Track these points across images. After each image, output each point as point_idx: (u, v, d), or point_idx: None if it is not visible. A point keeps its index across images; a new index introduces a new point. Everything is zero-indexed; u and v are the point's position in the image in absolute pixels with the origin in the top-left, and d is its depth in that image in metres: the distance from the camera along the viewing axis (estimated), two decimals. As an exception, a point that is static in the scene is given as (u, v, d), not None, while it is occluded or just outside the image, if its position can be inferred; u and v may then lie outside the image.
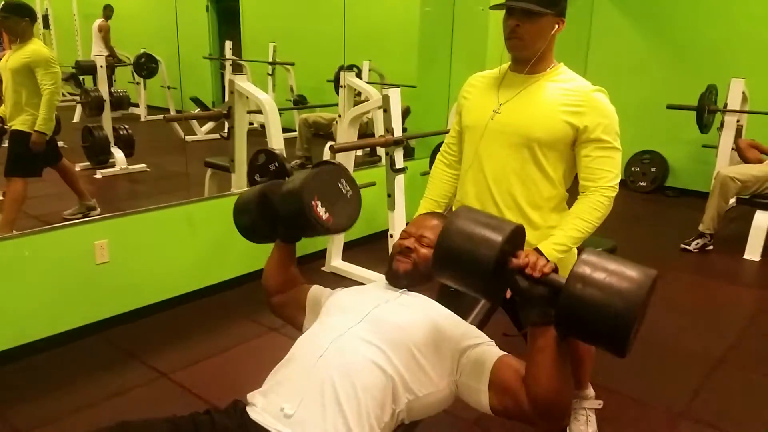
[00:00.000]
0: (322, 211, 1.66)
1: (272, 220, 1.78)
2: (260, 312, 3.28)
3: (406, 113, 4.99)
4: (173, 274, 3.34)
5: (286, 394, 1.34)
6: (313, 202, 1.64)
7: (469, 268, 1.28)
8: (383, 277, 1.69)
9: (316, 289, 1.77)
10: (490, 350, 1.43)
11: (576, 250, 1.96)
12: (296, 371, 1.39)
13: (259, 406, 1.36)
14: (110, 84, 5.46)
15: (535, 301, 1.27)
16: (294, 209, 1.67)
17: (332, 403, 1.29)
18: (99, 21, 6.32)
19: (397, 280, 1.62)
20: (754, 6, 5.51)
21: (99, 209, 4.18)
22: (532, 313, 1.28)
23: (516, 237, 1.33)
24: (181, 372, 2.71)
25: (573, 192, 1.90)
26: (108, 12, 6.35)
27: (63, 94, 5.44)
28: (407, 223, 2.04)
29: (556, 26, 1.78)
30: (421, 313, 1.50)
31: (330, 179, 1.73)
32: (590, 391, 2.34)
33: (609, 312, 1.15)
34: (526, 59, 1.81)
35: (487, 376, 1.37)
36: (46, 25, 5.98)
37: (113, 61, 6.04)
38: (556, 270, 1.29)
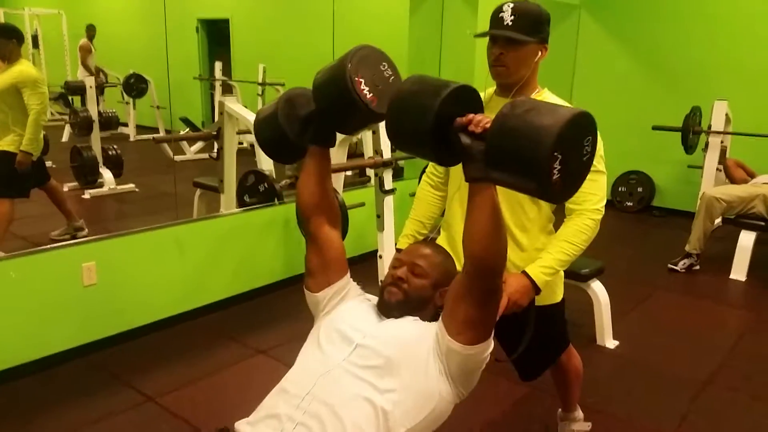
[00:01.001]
0: (366, 90, 1.49)
1: (301, 125, 1.62)
2: (248, 334, 3.26)
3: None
4: (161, 296, 3.32)
5: (274, 427, 1.33)
6: (357, 79, 1.48)
7: (414, 135, 1.33)
8: (372, 297, 1.68)
9: (344, 283, 1.70)
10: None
11: (563, 273, 1.98)
12: (284, 405, 1.38)
13: (248, 438, 1.35)
14: (97, 104, 5.44)
15: (476, 156, 1.29)
16: (336, 89, 1.50)
17: None
18: (82, 41, 6.29)
19: (389, 312, 1.58)
20: (736, 30, 5.62)
21: (87, 230, 4.16)
22: (472, 168, 1.32)
23: (461, 98, 1.35)
24: (169, 396, 2.68)
25: (559, 214, 1.92)
26: (91, 32, 6.30)
27: (52, 114, 5.44)
28: (396, 248, 2.04)
29: (540, 53, 1.80)
30: (405, 335, 1.50)
31: (372, 60, 1.56)
32: (579, 413, 2.34)
33: (528, 138, 1.16)
34: (511, 86, 1.83)
35: (441, 324, 1.44)
36: (36, 45, 5.99)
37: (98, 82, 6.01)
38: None
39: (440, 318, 1.46)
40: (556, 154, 1.14)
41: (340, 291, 1.67)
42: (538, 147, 1.14)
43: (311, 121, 1.61)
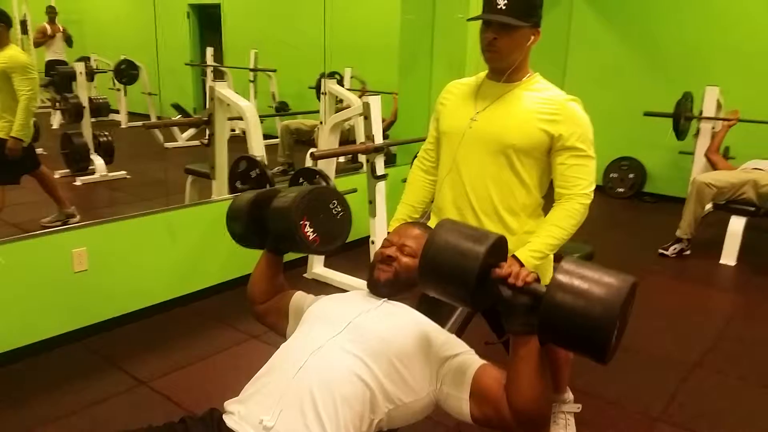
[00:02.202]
0: (309, 231, 1.67)
1: (262, 230, 1.79)
2: (240, 319, 3.27)
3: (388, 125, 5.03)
4: (153, 281, 3.32)
5: (265, 404, 1.34)
6: (301, 222, 1.65)
7: (454, 279, 1.30)
8: (365, 284, 1.70)
9: (298, 296, 1.76)
10: (470, 359, 1.43)
11: (552, 257, 1.99)
12: (275, 382, 1.38)
13: (237, 415, 1.36)
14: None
15: (518, 310, 1.29)
16: (282, 227, 1.69)
17: (312, 415, 1.29)
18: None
19: (377, 289, 1.61)
20: (728, 16, 5.63)
21: (78, 217, 4.15)
22: (515, 323, 1.30)
23: (498, 248, 1.34)
24: (161, 380, 2.70)
25: (548, 199, 1.93)
26: (51, 13, 6.09)
27: (42, 101, 5.39)
28: (389, 231, 2.06)
29: (532, 38, 1.81)
30: (402, 322, 1.50)
31: (321, 199, 1.74)
32: (569, 395, 2.37)
33: (588, 319, 1.17)
34: (503, 70, 1.84)
35: (469, 384, 1.38)
36: (25, 31, 5.91)
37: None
38: (538, 280, 1.31)
39: (473, 376, 1.40)
40: (618, 323, 1.17)
41: (298, 305, 1.73)
42: (600, 324, 1.16)
43: (270, 234, 1.77)
